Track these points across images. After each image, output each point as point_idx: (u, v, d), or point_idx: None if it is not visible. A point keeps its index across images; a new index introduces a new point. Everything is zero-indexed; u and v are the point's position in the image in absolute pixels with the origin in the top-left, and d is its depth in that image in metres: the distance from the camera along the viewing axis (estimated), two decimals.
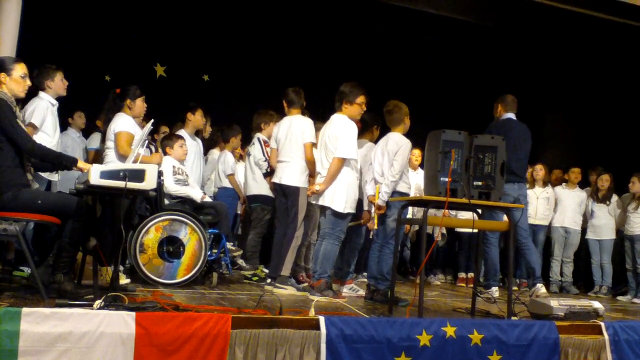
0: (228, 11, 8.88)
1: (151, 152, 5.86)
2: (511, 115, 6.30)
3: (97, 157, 6.57)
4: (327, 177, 5.17)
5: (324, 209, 5.27)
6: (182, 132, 6.20)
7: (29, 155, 4.06)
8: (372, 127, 5.99)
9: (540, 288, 6.18)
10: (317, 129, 5.60)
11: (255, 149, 6.44)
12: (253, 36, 9.23)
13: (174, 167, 5.73)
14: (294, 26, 9.16)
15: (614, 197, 7.74)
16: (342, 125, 5.20)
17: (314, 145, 5.52)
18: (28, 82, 4.22)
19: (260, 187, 6.40)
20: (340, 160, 5.15)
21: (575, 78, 9.14)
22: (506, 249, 6.37)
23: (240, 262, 5.97)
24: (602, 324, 4.30)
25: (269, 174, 6.19)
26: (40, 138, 4.78)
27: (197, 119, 6.36)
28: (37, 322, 3.13)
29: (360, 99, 5.29)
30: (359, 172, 5.46)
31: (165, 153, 5.84)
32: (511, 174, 5.80)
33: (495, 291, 6.09)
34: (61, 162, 4.16)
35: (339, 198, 5.15)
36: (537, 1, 7.64)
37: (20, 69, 4.14)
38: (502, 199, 5.52)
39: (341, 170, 5.17)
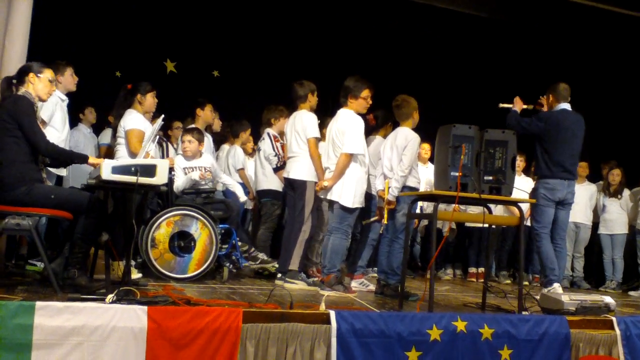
0: (238, 7, 8.89)
1: (162, 147, 5.89)
2: (565, 106, 5.69)
3: (109, 152, 6.60)
4: (335, 173, 5.18)
5: (332, 203, 5.29)
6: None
7: (42, 155, 4.12)
8: (386, 124, 5.98)
9: (558, 288, 6.03)
10: (326, 125, 5.60)
11: (265, 144, 6.45)
12: (263, 32, 9.23)
13: (184, 168, 5.74)
14: (303, 21, 9.15)
15: (626, 192, 7.70)
16: (348, 121, 5.21)
17: (318, 140, 5.52)
18: (54, 87, 4.37)
19: (270, 182, 6.41)
20: (348, 155, 5.16)
21: (586, 71, 9.07)
22: (517, 244, 6.35)
23: (261, 255, 5.98)
24: (614, 318, 4.28)
25: (279, 168, 6.21)
26: (48, 133, 4.81)
27: (206, 114, 6.40)
28: (51, 316, 3.16)
29: (365, 93, 5.29)
30: (367, 166, 5.45)
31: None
32: (561, 170, 5.50)
33: (558, 287, 5.39)
34: (73, 160, 4.24)
35: (347, 193, 5.16)
36: None
37: (49, 73, 4.27)
38: (550, 193, 5.44)
39: (349, 166, 5.18)
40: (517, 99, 5.94)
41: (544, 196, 5.52)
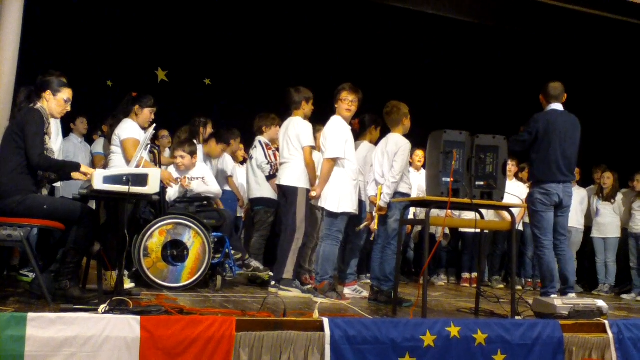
0: (229, 15, 8.91)
1: (154, 155, 5.89)
2: (556, 106, 5.52)
3: (102, 161, 6.60)
4: (320, 180, 5.23)
5: (324, 210, 5.31)
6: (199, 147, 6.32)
7: (35, 168, 4.11)
8: (370, 127, 5.99)
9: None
10: (318, 132, 5.63)
11: (257, 152, 6.45)
12: (254, 40, 9.26)
13: (177, 179, 5.75)
14: (295, 29, 9.18)
15: (619, 195, 7.74)
16: (329, 126, 5.30)
17: (313, 148, 5.54)
18: (68, 108, 4.37)
19: (262, 190, 6.41)
20: (330, 161, 5.20)
21: (577, 76, 9.14)
22: (509, 248, 6.35)
23: (254, 263, 5.97)
24: (606, 322, 4.30)
25: (272, 176, 6.21)
26: None
27: (216, 150, 6.59)
28: (43, 327, 3.14)
29: (343, 95, 5.35)
30: (357, 172, 5.46)
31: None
32: (555, 172, 5.35)
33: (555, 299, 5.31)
34: (65, 169, 4.22)
35: (331, 198, 5.19)
36: (537, 0, 7.64)
37: (66, 93, 4.30)
38: (546, 198, 5.32)
39: (333, 171, 5.19)
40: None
41: (540, 201, 5.38)
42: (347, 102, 5.34)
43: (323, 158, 5.23)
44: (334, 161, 5.22)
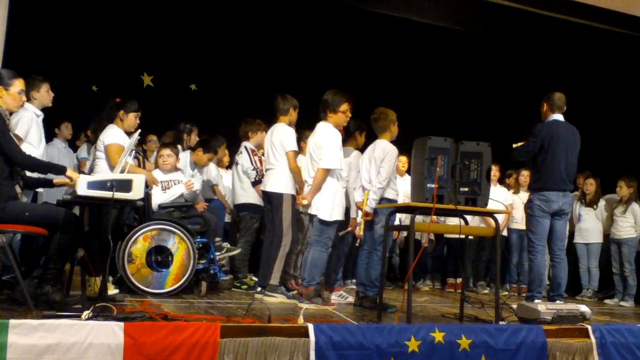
0: (215, 21, 8.90)
1: (139, 161, 5.87)
2: (558, 117, 5.68)
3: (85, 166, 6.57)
4: (312, 188, 5.20)
5: (312, 216, 5.30)
6: (186, 153, 6.33)
7: (20, 168, 4.06)
8: (355, 133, 6.00)
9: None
10: (305, 138, 5.62)
11: (243, 158, 6.44)
12: (241, 45, 9.25)
13: (161, 182, 5.73)
14: (281, 35, 9.19)
15: (601, 202, 7.82)
16: (325, 135, 5.22)
17: (297, 153, 5.53)
18: (24, 98, 4.29)
19: (248, 196, 6.41)
20: (325, 170, 5.17)
21: (561, 83, 9.22)
22: (493, 254, 6.39)
23: (225, 244, 5.97)
24: (589, 327, 4.34)
25: (258, 182, 6.20)
26: (25, 149, 4.76)
27: (202, 159, 6.53)
28: (25, 334, 3.11)
29: (344, 107, 5.30)
30: (345, 180, 5.47)
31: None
32: (557, 181, 5.51)
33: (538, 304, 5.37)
34: (51, 171, 4.18)
35: (325, 206, 5.17)
36: (522, 8, 7.72)
37: (18, 85, 4.19)
38: (546, 205, 5.44)
39: (326, 180, 5.19)
40: None
41: (539, 207, 5.53)
42: (347, 113, 5.33)
43: (318, 167, 5.18)
44: (328, 171, 5.20)
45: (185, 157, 6.30)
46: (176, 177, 5.86)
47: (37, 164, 4.16)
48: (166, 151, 5.86)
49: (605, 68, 8.90)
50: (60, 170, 4.17)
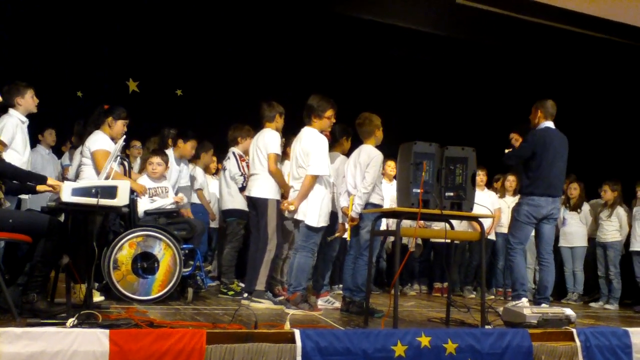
0: (201, 26, 8.89)
1: (124, 168, 5.84)
2: (549, 124, 5.80)
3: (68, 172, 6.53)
4: (299, 194, 5.18)
5: (297, 222, 5.29)
6: (169, 152, 6.25)
7: None
8: (341, 139, 6.01)
9: (525, 303, 6.02)
10: (291, 143, 5.62)
11: (230, 164, 6.43)
12: (227, 51, 9.25)
13: (149, 189, 5.70)
14: (267, 40, 9.19)
15: (585, 206, 7.89)
16: (313, 141, 5.20)
17: (279, 157, 5.54)
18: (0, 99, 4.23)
19: (235, 202, 6.39)
20: (313, 177, 5.16)
21: (546, 88, 9.31)
22: (480, 258, 6.41)
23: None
24: (574, 330, 4.38)
25: (245, 188, 6.19)
26: (9, 156, 4.73)
27: (186, 148, 6.44)
28: (9, 342, 3.09)
29: (329, 113, 5.30)
30: (332, 186, 5.47)
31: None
32: (547, 187, 5.61)
33: (525, 302, 5.50)
34: (31, 180, 4.14)
35: (312, 212, 5.16)
36: (507, 14, 7.79)
37: None
38: (534, 211, 5.56)
39: (313, 186, 5.19)
40: (514, 137, 6.26)
41: (526, 213, 5.63)
42: (331, 119, 5.34)
43: (306, 173, 5.16)
44: (317, 177, 5.20)
45: (169, 155, 6.25)
46: (164, 185, 5.84)
47: (17, 173, 4.11)
48: (156, 159, 5.83)
49: (589, 73, 8.98)
50: (41, 179, 4.13)
